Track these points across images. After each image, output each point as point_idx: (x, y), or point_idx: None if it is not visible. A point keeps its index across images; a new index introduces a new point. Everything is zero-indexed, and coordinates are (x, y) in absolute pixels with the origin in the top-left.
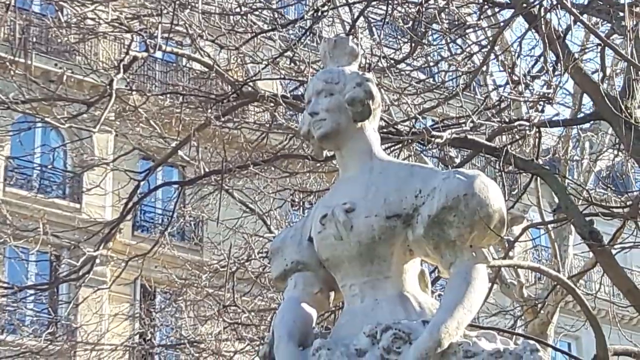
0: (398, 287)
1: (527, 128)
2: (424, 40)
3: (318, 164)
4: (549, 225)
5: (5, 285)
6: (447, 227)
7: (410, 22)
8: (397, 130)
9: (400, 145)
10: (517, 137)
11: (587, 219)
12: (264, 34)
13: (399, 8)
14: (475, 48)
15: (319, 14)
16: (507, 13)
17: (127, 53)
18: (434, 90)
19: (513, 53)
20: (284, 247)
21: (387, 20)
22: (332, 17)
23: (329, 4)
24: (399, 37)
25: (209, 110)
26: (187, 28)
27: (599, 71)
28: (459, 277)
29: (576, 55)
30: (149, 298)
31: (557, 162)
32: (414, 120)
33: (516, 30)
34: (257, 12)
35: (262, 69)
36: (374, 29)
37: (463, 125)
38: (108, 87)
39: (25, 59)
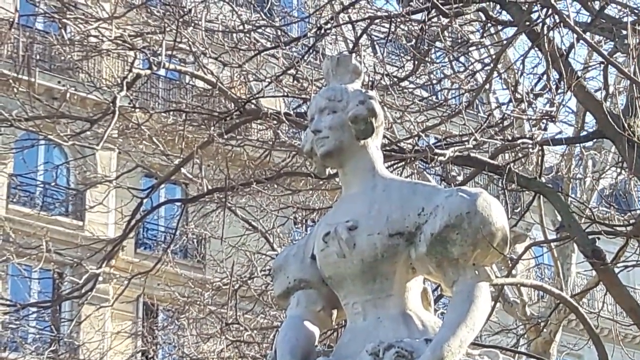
0: (401, 305)
1: (529, 146)
2: (426, 58)
3: (321, 182)
4: (552, 244)
5: (8, 302)
6: (450, 246)
7: (413, 40)
8: (400, 148)
9: (403, 163)
10: (520, 155)
11: (590, 237)
12: (267, 52)
13: (402, 26)
14: (478, 66)
15: (322, 31)
16: (510, 31)
17: (130, 70)
18: (437, 108)
19: (516, 71)
20: (287, 265)
21: (390, 38)
22: (335, 35)
23: (332, 22)
24: (402, 55)
25: (212, 128)
26: (191, 46)
27: (602, 89)
28: (462, 296)
29: (579, 74)
30: (151, 316)
31: (560, 180)
32: (416, 138)
33: (519, 48)
34: (260, 30)
35: (265, 86)
36: (377, 46)
37: (466, 143)
38: (111, 104)
39: (29, 76)
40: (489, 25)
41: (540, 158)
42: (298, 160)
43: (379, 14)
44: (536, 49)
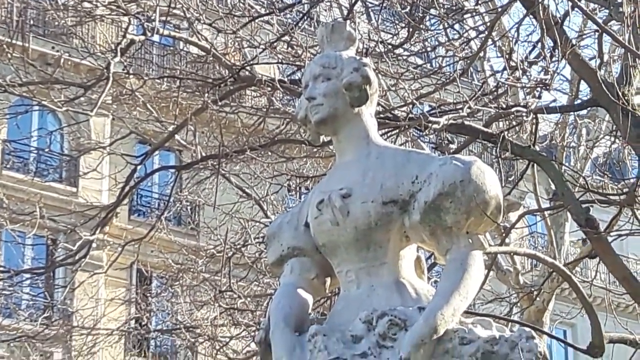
0: (394, 273)
1: (524, 114)
2: (421, 26)
3: (315, 149)
4: (546, 212)
5: (2, 269)
6: (444, 214)
7: (408, 7)
8: (394, 116)
9: (397, 130)
10: (514, 123)
11: (584, 206)
12: (262, 18)
13: None
14: (473, 33)
15: None
16: None
17: (124, 36)
18: (431, 76)
19: (510, 39)
20: (280, 232)
21: (384, 5)
22: (329, 1)
23: None
24: (397, 22)
25: (206, 95)
26: (185, 11)
27: (597, 58)
28: (455, 264)
29: (574, 42)
30: (145, 283)
31: (553, 148)
32: (411, 106)
33: (514, 16)
34: None
35: (260, 53)
36: (371, 13)
37: (460, 111)
38: (105, 70)
39: (23, 41)
40: None
41: (534, 126)
42: (292, 128)
43: None
44: (531, 16)
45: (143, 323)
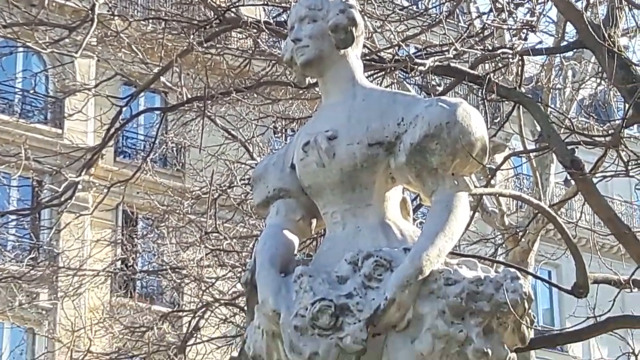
0: (380, 214)
1: (510, 56)
2: None
3: (301, 91)
4: (531, 154)
5: None
6: (429, 155)
7: None
8: (380, 58)
9: (383, 72)
10: (500, 65)
11: (569, 147)
12: None
13: None
14: None
15: None
16: None
17: None
18: (417, 18)
19: None
20: (266, 174)
21: None
22: None
23: None
24: None
25: (192, 36)
26: None
27: None
28: (441, 205)
29: None
30: (131, 224)
31: (539, 90)
32: (396, 48)
33: None
34: None
35: None
36: None
37: (446, 53)
38: (90, 11)
39: None
40: None
41: (520, 68)
42: (278, 69)
43: None
44: None
45: (129, 264)
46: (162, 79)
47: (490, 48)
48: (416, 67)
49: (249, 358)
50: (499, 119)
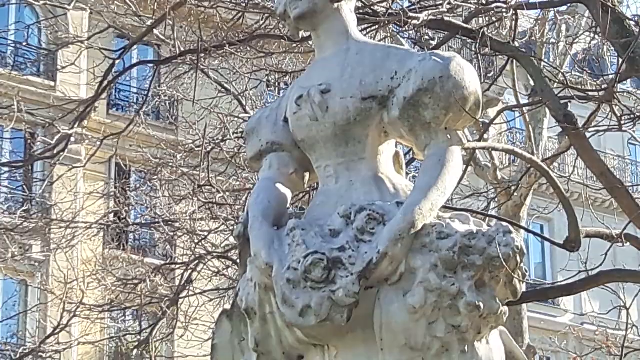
0: (373, 168)
1: (503, 10)
2: None
3: (294, 45)
4: (524, 108)
5: None
6: (423, 109)
7: None
8: (374, 12)
9: (376, 26)
10: (494, 19)
11: (562, 102)
12: None
13: None
14: None
15: None
16: None
17: None
18: None
19: None
20: (259, 127)
21: None
22: None
23: None
24: None
25: None
26: None
27: None
28: (434, 159)
29: None
30: (123, 177)
31: (533, 44)
32: (390, 2)
33: None
34: None
35: None
36: None
37: (440, 7)
38: None
39: None
40: None
41: (513, 22)
42: (271, 23)
43: None
44: None
45: (122, 217)
46: (155, 31)
47: (484, 2)
48: (410, 21)
49: (241, 311)
50: (492, 73)
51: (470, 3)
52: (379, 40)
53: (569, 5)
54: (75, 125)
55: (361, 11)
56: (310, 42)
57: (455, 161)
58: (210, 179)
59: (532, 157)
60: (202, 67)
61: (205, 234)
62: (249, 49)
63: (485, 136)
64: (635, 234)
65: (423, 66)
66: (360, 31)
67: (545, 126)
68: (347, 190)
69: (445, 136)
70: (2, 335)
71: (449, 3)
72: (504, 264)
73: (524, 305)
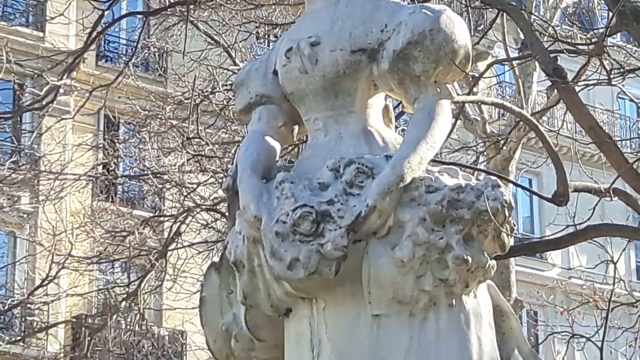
0: (362, 121)
1: None
2: None
3: None
4: (514, 62)
5: None
6: (412, 62)
7: None
8: None
9: None
10: None
11: (552, 55)
12: None
13: None
14: None
15: None
16: None
17: None
18: None
19: None
20: (249, 80)
21: None
22: None
23: None
24: None
25: None
26: None
27: None
28: (423, 113)
29: None
30: (112, 129)
31: None
32: None
33: None
34: None
35: None
36: None
37: None
38: None
39: None
40: None
41: None
42: None
43: None
44: None
45: (110, 169)
46: None
47: None
48: None
49: (229, 263)
50: (482, 26)
51: None
52: None
53: None
54: (64, 77)
55: None
56: None
57: (444, 115)
58: (199, 132)
59: (521, 110)
60: (191, 18)
61: (194, 186)
62: (238, 0)
63: (475, 90)
64: (624, 188)
65: (413, 19)
66: None
67: (534, 80)
68: (336, 144)
69: (435, 89)
70: None
71: None
72: (492, 217)
73: (511, 259)
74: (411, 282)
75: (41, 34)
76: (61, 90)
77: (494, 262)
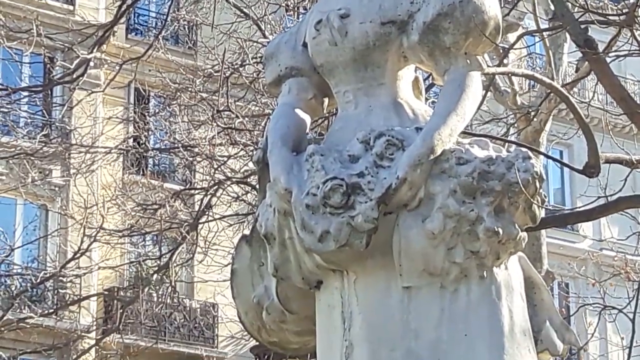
0: (392, 94)
1: None
2: None
3: None
4: (544, 33)
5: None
6: (442, 34)
7: None
8: None
9: None
10: None
11: (583, 26)
12: None
13: None
14: None
15: None
16: None
17: None
18: None
19: None
20: (278, 52)
21: None
22: None
23: None
24: None
25: None
26: None
27: None
28: (453, 85)
29: None
30: (142, 102)
31: None
32: None
33: None
34: None
35: None
36: None
37: None
38: None
39: None
40: None
41: None
42: None
43: None
44: None
45: (141, 142)
46: None
47: None
48: None
49: (260, 236)
50: None
51: None
52: None
53: None
54: (94, 50)
55: None
56: None
57: (474, 86)
58: (230, 104)
59: (552, 82)
60: None
61: (225, 159)
62: None
63: (505, 61)
64: None
65: None
66: None
67: (565, 51)
68: (366, 116)
69: (465, 61)
70: (23, 260)
71: None
72: (523, 189)
73: (542, 231)
74: (442, 254)
75: (71, 7)
76: (91, 64)
77: (524, 233)
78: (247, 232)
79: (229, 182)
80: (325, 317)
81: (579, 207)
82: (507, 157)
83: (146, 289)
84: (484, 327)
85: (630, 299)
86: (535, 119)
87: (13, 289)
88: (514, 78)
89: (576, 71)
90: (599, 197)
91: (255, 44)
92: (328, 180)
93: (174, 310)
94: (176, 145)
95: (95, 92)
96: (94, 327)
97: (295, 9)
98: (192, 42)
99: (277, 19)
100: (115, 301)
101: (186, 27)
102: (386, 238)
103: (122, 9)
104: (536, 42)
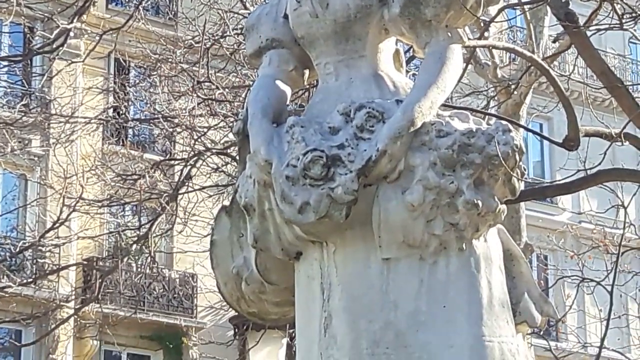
0: (373, 66)
1: None
2: None
3: None
4: (525, 6)
5: None
6: (423, 7)
7: None
8: None
9: None
10: None
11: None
12: None
13: None
14: None
15: None
16: None
17: None
18: None
19: None
20: (259, 24)
21: None
22: None
23: None
24: None
25: None
26: None
27: None
28: (434, 57)
29: None
30: (123, 72)
31: None
32: None
33: None
34: None
35: None
36: None
37: None
38: None
39: None
40: None
41: None
42: None
43: None
44: None
45: (121, 112)
46: None
47: None
48: None
49: (240, 207)
50: None
51: None
52: None
53: None
54: (75, 20)
55: None
56: None
57: (455, 59)
58: (210, 75)
59: (533, 55)
60: None
61: (205, 130)
62: None
63: (486, 34)
64: (635, 133)
65: None
66: None
67: (546, 24)
68: (346, 88)
69: (446, 34)
70: (2, 229)
71: None
72: (503, 162)
73: (522, 203)
74: (421, 226)
75: None
76: (71, 34)
77: (504, 206)
78: (226, 203)
79: (208, 153)
80: (305, 288)
81: (559, 180)
82: (487, 129)
83: (125, 259)
84: (462, 299)
85: (609, 272)
86: (515, 92)
87: None
88: (494, 51)
89: (554, 42)
90: (578, 170)
91: (236, 15)
92: (308, 151)
93: (153, 281)
94: (156, 115)
95: (75, 62)
96: (73, 297)
97: None
98: (173, 12)
99: None
100: (94, 271)
101: None
102: (366, 210)
103: None
104: (517, 15)
